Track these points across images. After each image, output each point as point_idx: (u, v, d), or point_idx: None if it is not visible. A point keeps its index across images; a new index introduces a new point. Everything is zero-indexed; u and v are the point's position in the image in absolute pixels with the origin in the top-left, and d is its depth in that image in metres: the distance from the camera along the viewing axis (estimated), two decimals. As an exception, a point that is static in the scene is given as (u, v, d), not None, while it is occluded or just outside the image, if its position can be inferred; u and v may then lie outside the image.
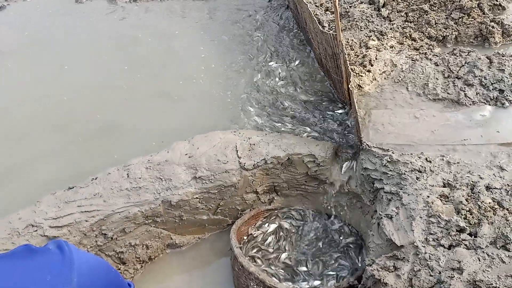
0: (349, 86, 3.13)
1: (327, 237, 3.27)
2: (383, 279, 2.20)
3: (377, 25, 4.47)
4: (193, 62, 5.03)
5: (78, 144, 4.06)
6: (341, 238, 3.23)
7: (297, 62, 4.59)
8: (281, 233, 3.31)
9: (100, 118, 4.34)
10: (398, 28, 4.40)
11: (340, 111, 3.78)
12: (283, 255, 3.12)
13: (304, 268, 3.05)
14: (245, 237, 3.29)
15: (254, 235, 3.29)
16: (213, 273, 3.25)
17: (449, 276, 2.05)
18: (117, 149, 3.92)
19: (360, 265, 2.98)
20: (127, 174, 3.18)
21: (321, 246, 3.20)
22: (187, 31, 5.69)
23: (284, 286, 2.67)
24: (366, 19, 4.54)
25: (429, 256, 2.21)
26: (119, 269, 3.16)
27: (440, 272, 2.11)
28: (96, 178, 3.18)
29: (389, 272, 2.25)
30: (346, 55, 3.15)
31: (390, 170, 2.87)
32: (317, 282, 2.94)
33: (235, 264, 2.87)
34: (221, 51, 5.15)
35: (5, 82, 5.01)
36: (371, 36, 4.27)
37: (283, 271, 3.04)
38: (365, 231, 3.14)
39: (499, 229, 2.31)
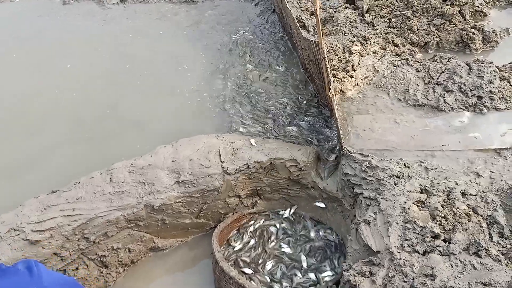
0: (330, 93, 3.17)
1: (310, 242, 3.29)
2: (358, 285, 2.25)
3: (361, 30, 4.52)
4: (178, 64, 5.05)
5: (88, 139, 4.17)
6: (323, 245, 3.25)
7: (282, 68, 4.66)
8: (265, 236, 3.33)
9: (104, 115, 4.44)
10: (381, 34, 4.45)
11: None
12: (267, 263, 3.14)
13: (285, 272, 3.08)
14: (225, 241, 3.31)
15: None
16: (195, 276, 3.28)
17: (421, 283, 2.11)
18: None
19: (339, 269, 3.02)
20: (110, 178, 3.18)
21: (304, 250, 3.23)
22: (173, 33, 5.70)
23: (264, 290, 2.71)
24: (350, 24, 4.59)
25: (404, 262, 2.26)
26: (102, 272, 3.17)
27: (413, 278, 2.17)
28: (79, 182, 3.18)
29: (365, 277, 2.30)
30: (327, 62, 3.20)
31: (369, 176, 2.92)
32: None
33: (216, 268, 2.90)
34: (207, 55, 5.17)
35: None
36: (354, 41, 4.31)
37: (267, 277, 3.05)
38: (345, 235, 3.18)
39: (472, 235, 2.37)
